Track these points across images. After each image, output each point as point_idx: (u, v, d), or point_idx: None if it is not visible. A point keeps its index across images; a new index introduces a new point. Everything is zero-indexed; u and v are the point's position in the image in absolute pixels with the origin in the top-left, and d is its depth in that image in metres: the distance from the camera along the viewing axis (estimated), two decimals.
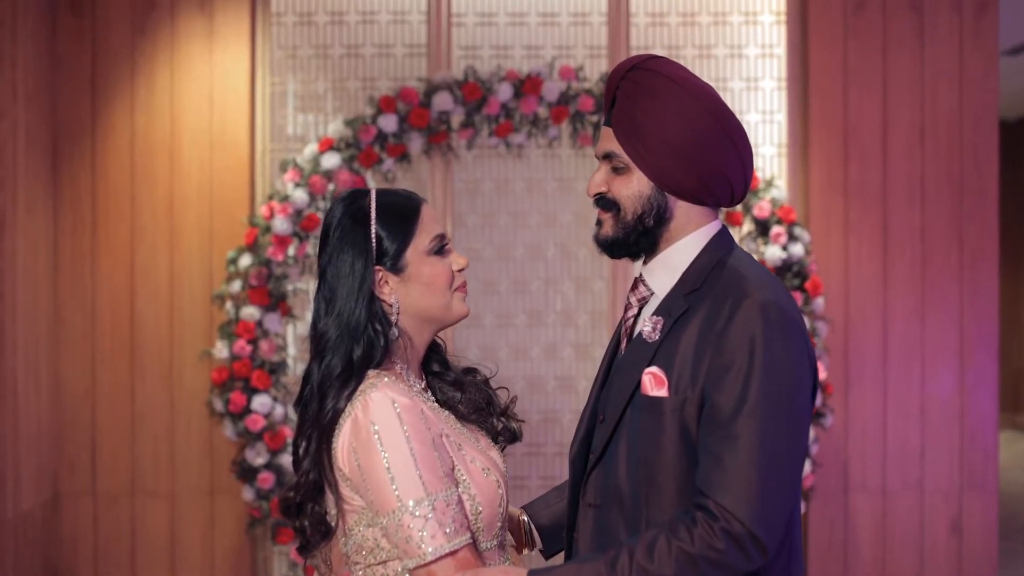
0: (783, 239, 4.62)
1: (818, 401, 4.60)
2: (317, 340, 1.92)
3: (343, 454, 1.84)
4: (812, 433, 4.60)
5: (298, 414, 1.94)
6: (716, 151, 1.89)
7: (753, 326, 1.77)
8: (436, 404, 1.98)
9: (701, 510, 1.74)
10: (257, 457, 4.61)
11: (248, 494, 4.66)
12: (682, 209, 1.92)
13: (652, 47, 5.00)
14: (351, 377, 1.87)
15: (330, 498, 1.89)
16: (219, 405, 4.65)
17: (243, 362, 4.60)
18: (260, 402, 4.59)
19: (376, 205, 1.93)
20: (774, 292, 1.83)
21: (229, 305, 4.66)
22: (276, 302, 4.66)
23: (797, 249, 4.64)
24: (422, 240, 1.94)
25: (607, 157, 1.95)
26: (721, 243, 1.94)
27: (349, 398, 1.85)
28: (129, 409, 4.83)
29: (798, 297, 4.63)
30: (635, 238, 1.93)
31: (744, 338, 1.77)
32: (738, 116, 4.83)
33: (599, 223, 1.98)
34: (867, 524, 4.86)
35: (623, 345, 1.98)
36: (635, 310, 1.97)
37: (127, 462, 4.83)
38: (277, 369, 4.67)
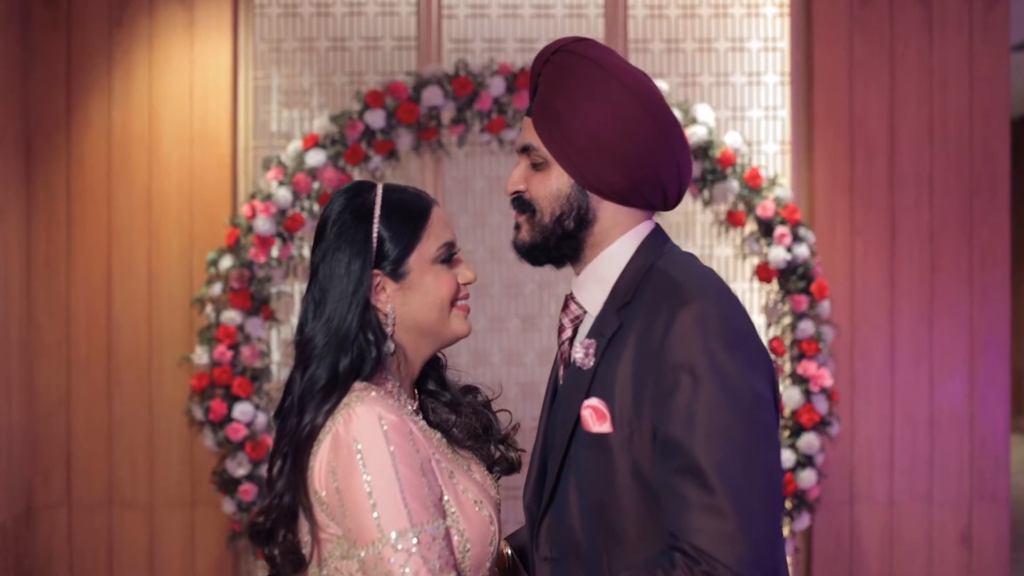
0: (787, 240, 4.51)
1: (823, 409, 4.48)
2: (303, 346, 1.74)
3: (320, 474, 1.65)
4: (817, 442, 4.48)
5: (276, 427, 1.75)
6: (647, 147, 1.69)
7: (692, 340, 1.57)
8: (426, 425, 1.79)
9: (678, 552, 1.53)
10: (238, 468, 4.47)
11: (229, 506, 4.51)
12: (608, 211, 1.74)
13: (650, 40, 4.89)
14: (334, 390, 1.69)
15: (304, 524, 1.70)
16: (199, 413, 4.52)
17: (224, 368, 4.47)
18: (241, 410, 4.46)
19: (382, 201, 1.76)
20: (714, 297, 1.62)
21: (209, 309, 4.55)
22: (258, 306, 4.54)
23: (802, 250, 4.52)
24: (429, 246, 1.77)
25: (525, 151, 1.76)
26: (653, 246, 1.74)
27: (330, 413, 1.67)
28: (106, 417, 4.72)
29: (803, 301, 4.51)
30: (555, 242, 1.74)
31: (683, 355, 1.56)
32: (740, 112, 4.88)
33: (517, 227, 1.78)
34: (874, 536, 4.76)
35: (561, 373, 1.78)
36: (569, 332, 1.78)
37: (104, 472, 4.72)
38: (259, 376, 4.54)
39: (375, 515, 1.59)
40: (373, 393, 1.69)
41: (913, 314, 4.76)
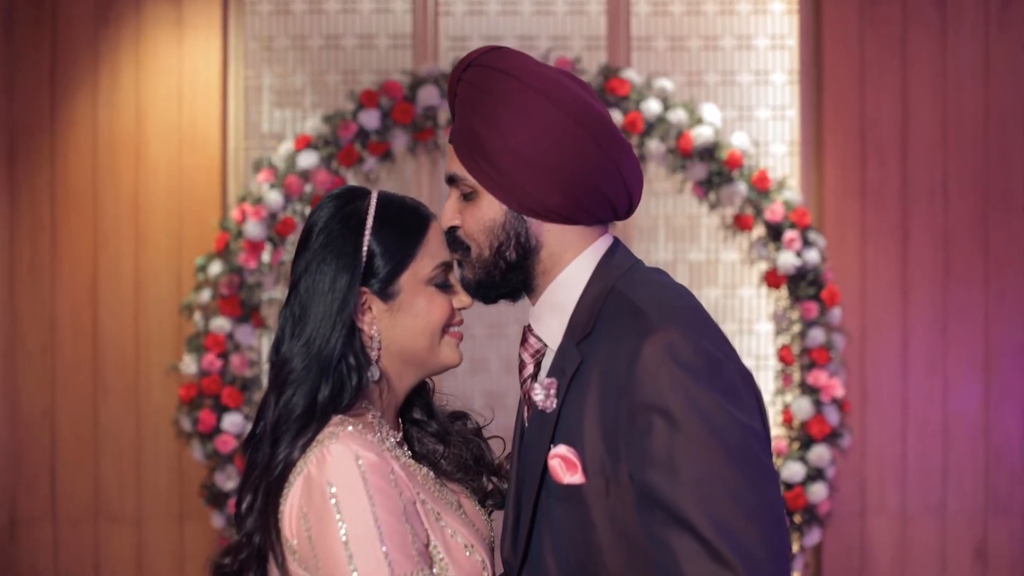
0: (797, 245, 4.41)
1: (834, 420, 4.37)
2: (278, 367, 1.59)
3: (291, 520, 1.50)
4: (828, 455, 4.38)
5: (247, 457, 1.60)
6: (578, 158, 1.54)
7: (660, 376, 1.41)
8: (411, 459, 1.64)
9: None
10: (227, 481, 4.37)
11: (218, 520, 4.42)
12: (552, 234, 1.59)
13: (654, 38, 4.82)
14: (311, 421, 1.53)
15: (275, 570, 1.55)
16: (187, 424, 4.44)
17: (212, 378, 4.38)
18: (231, 421, 4.37)
19: (375, 211, 1.62)
20: (680, 322, 1.46)
21: (198, 316, 4.47)
22: (248, 313, 4.45)
23: (812, 256, 4.43)
24: (423, 265, 1.63)
25: (452, 182, 1.61)
26: (611, 265, 1.58)
27: (304, 448, 1.52)
28: (91, 428, 4.66)
29: (813, 308, 4.40)
30: (500, 277, 1.60)
31: (653, 395, 1.41)
32: (747, 112, 4.75)
33: (459, 264, 1.64)
34: (885, 549, 4.68)
35: (526, 415, 1.61)
36: (531, 369, 1.62)
37: (89, 485, 4.66)
38: (249, 386, 4.45)
39: (352, 567, 1.44)
40: (350, 427, 1.54)
41: (926, 321, 4.68)
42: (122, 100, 4.66)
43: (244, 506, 1.57)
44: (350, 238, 1.60)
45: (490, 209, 1.58)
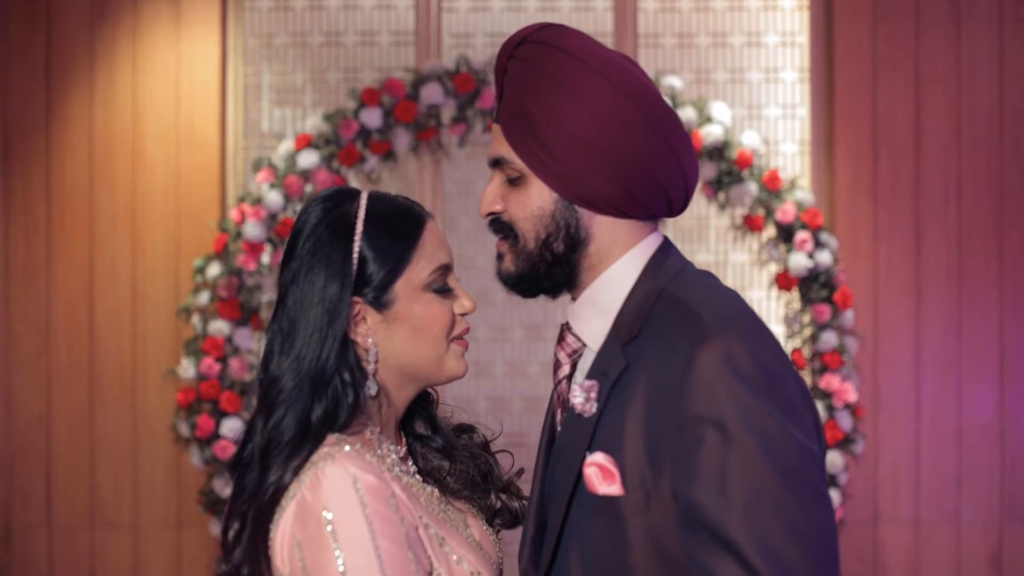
0: (809, 246, 4.36)
1: (847, 425, 4.31)
2: (267, 387, 1.49)
3: (283, 547, 1.40)
4: (842, 461, 4.31)
5: (233, 482, 1.51)
6: (640, 147, 1.45)
7: (717, 387, 1.33)
8: (418, 476, 1.55)
9: None
10: (226, 488, 4.30)
11: (216, 528, 4.36)
12: (603, 226, 1.49)
13: (662, 35, 4.77)
14: (305, 441, 1.44)
15: None
16: (185, 430, 4.40)
17: (211, 382, 4.35)
18: (230, 427, 4.33)
19: (366, 213, 1.52)
20: (741, 331, 1.38)
21: (196, 319, 4.44)
22: (248, 316, 4.42)
23: (825, 257, 4.37)
24: (420, 270, 1.53)
25: (497, 164, 1.53)
26: (662, 265, 1.49)
27: (298, 470, 1.42)
28: (87, 433, 4.63)
29: (825, 311, 4.35)
30: (545, 270, 1.50)
31: (708, 406, 1.32)
32: (757, 111, 4.67)
33: (499, 256, 1.54)
34: (899, 558, 4.63)
35: (559, 418, 1.53)
36: (567, 369, 1.53)
37: (85, 492, 4.62)
38: (249, 390, 4.40)
39: None
40: (347, 447, 1.44)
41: (940, 323, 4.63)
42: (119, 99, 4.63)
43: (231, 535, 1.47)
44: (339, 244, 1.50)
45: (539, 196, 1.49)
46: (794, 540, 1.28)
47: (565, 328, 1.54)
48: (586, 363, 1.50)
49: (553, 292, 1.54)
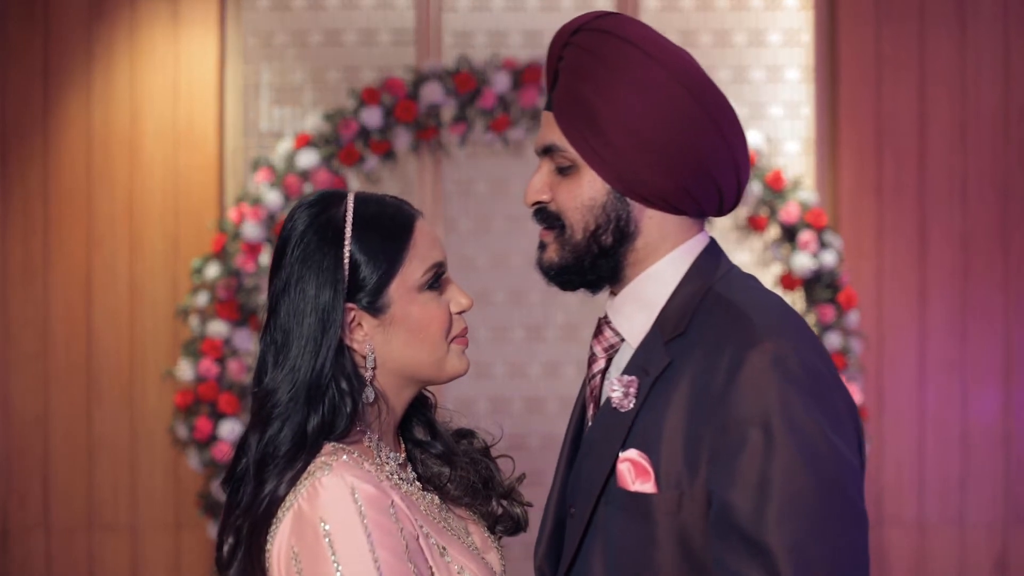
0: (813, 246, 4.38)
1: None
2: (262, 400, 1.46)
3: (279, 560, 1.37)
4: None
5: (226, 497, 1.48)
6: (697, 141, 1.43)
7: (766, 389, 1.31)
8: (417, 484, 1.52)
9: None
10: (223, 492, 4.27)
11: (214, 531, 4.31)
12: (653, 221, 1.47)
13: (664, 34, 4.68)
14: (301, 452, 1.41)
15: None
16: (183, 432, 4.40)
17: (209, 384, 4.35)
18: (228, 429, 4.32)
19: (354, 216, 1.49)
20: (793, 335, 1.37)
21: (194, 320, 4.44)
22: (246, 317, 4.42)
23: (829, 258, 4.39)
24: (413, 270, 1.50)
25: (548, 152, 1.49)
26: (708, 264, 1.47)
27: (293, 481, 1.39)
28: (85, 435, 4.62)
29: (829, 312, 4.36)
30: (590, 263, 1.48)
31: (754, 408, 1.31)
32: (760, 110, 4.64)
33: (542, 245, 1.52)
34: (902, 561, 4.63)
35: (590, 413, 1.51)
36: (602, 364, 1.51)
37: (83, 493, 4.61)
38: (247, 392, 4.40)
39: None
40: (344, 456, 1.41)
41: (944, 324, 4.63)
42: (116, 98, 4.63)
43: (225, 550, 1.44)
44: (329, 250, 1.47)
45: (591, 187, 1.45)
46: (829, 555, 1.26)
47: (603, 322, 1.52)
48: (623, 358, 1.48)
49: (595, 286, 1.52)
